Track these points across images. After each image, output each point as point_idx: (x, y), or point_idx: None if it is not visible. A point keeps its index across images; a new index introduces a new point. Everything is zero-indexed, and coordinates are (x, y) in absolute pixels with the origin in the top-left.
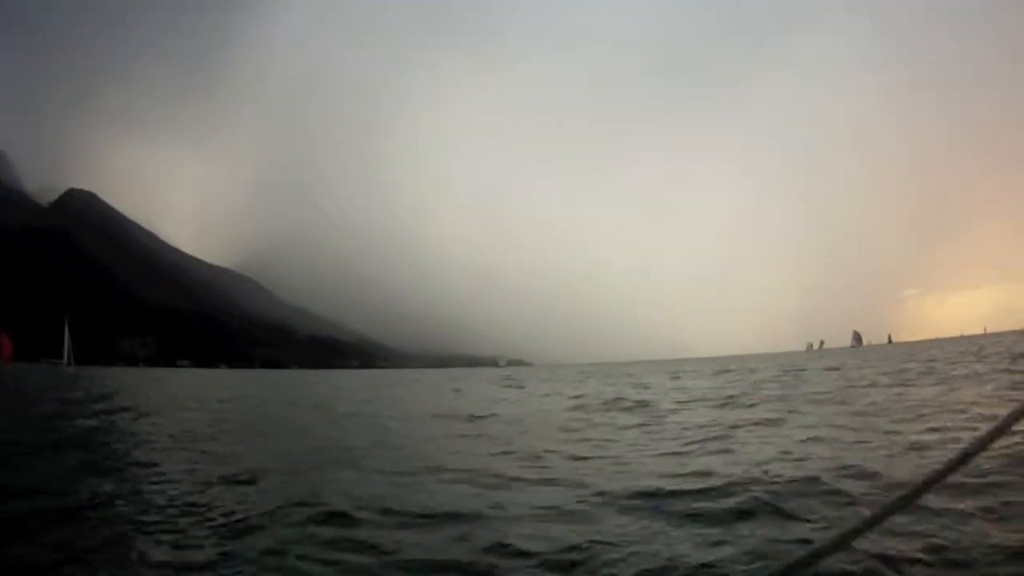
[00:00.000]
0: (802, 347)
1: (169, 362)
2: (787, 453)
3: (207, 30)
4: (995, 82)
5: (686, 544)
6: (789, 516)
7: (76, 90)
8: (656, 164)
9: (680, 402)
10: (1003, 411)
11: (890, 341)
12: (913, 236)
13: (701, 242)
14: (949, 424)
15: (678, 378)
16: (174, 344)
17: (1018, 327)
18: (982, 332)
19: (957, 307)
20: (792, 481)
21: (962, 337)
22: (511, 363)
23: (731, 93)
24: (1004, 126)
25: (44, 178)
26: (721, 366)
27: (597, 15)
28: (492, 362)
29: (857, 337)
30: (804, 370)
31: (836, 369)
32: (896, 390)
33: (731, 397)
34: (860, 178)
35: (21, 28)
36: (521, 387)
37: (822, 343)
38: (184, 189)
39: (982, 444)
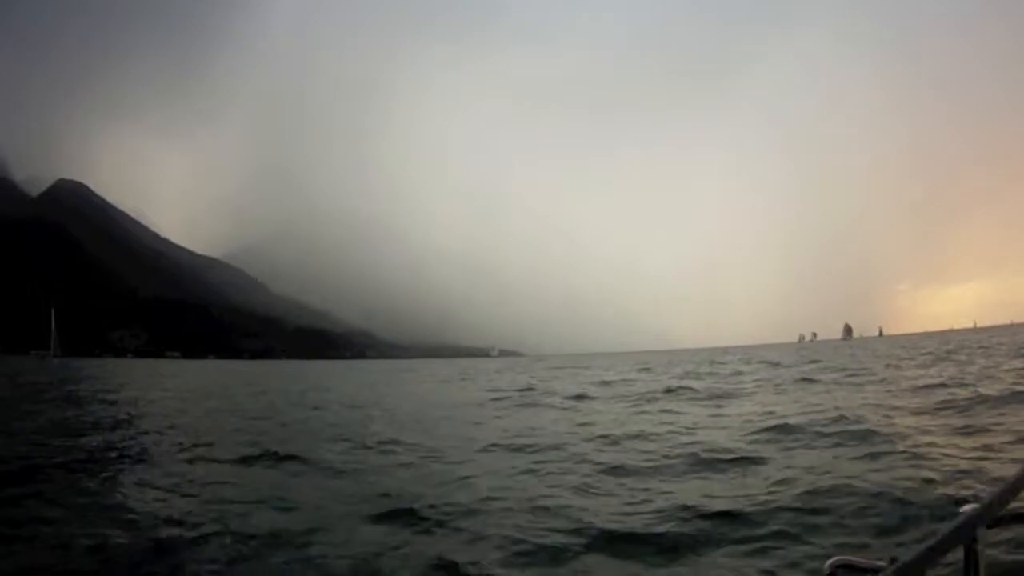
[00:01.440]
0: (795, 339)
1: (158, 353)
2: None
3: (198, 18)
4: (991, 79)
5: None
6: None
7: (67, 80)
8: (650, 156)
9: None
10: None
11: (881, 334)
12: (907, 231)
13: (695, 234)
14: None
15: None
16: (164, 335)
17: (1006, 321)
18: (972, 326)
19: (948, 301)
20: None
21: (951, 331)
22: (503, 353)
23: (726, 85)
24: (998, 122)
25: (34, 168)
26: (672, 359)
27: (592, 5)
28: (484, 353)
29: (847, 329)
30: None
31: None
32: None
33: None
34: (855, 172)
35: (10, 18)
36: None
37: (814, 335)
38: (174, 179)
39: None
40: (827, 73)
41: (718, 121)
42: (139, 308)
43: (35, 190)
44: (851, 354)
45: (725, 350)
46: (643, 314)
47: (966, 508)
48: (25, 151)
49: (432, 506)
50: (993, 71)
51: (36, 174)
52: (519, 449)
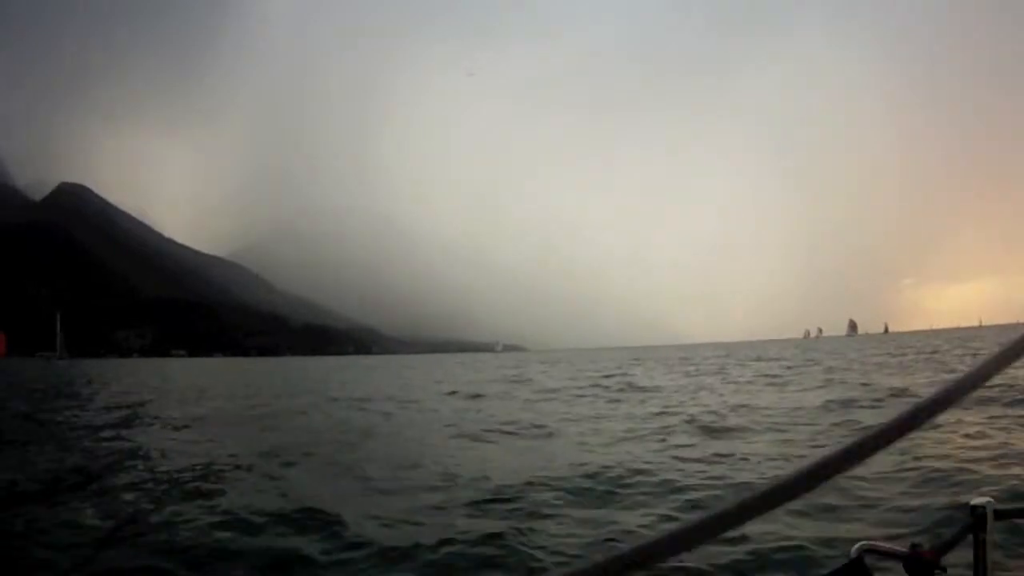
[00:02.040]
0: (801, 334)
1: (164, 352)
2: None
3: (199, 18)
4: (996, 77)
5: None
6: None
7: (68, 84)
8: (657, 153)
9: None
10: None
11: (886, 330)
12: (912, 229)
13: (701, 232)
14: None
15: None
16: (169, 334)
17: (1011, 320)
18: (977, 324)
19: (954, 298)
20: None
21: (957, 328)
22: (507, 348)
23: (732, 83)
24: (1003, 122)
25: (35, 173)
26: (671, 355)
27: (594, 5)
28: (488, 348)
29: (852, 326)
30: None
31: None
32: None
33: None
34: (861, 169)
35: (12, 23)
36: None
37: (820, 331)
38: (177, 179)
39: (966, 387)
40: (832, 72)
41: (722, 120)
42: (144, 308)
43: (38, 194)
44: (831, 352)
45: (726, 346)
46: (648, 310)
47: (978, 500)
48: (26, 155)
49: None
50: (999, 70)
51: (38, 178)
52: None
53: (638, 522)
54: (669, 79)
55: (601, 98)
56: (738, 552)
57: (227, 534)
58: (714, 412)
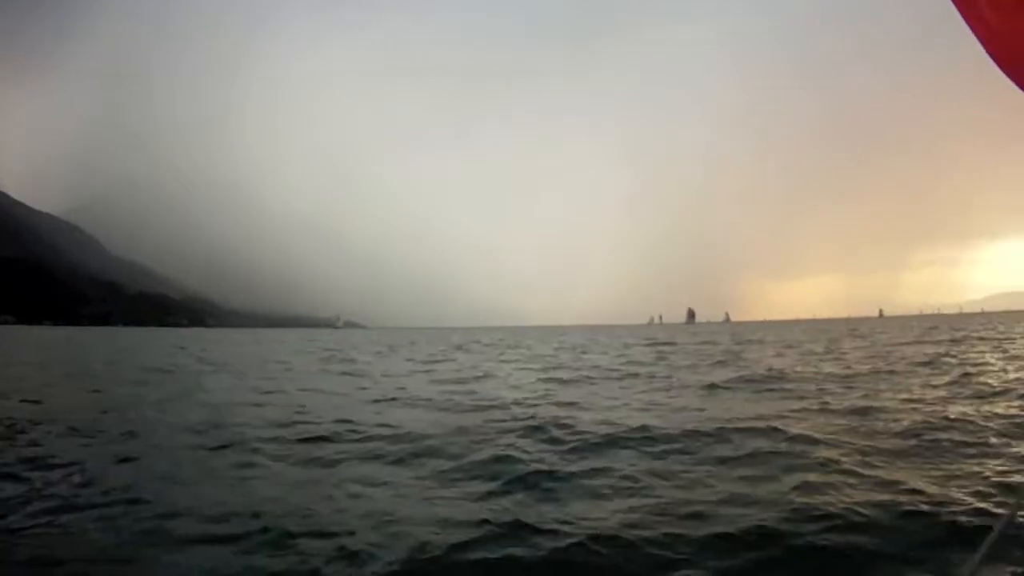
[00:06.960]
0: (646, 321)
1: None
2: None
3: None
4: (846, 84)
5: None
6: None
7: None
8: (508, 137)
9: None
10: None
11: (727, 319)
12: (759, 223)
13: (552, 219)
14: None
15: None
16: None
17: (845, 315)
18: (811, 317)
19: (795, 292)
20: None
21: (793, 320)
22: (348, 325)
23: (591, 76)
24: (847, 129)
25: None
26: (507, 336)
27: None
28: (329, 323)
29: (691, 314)
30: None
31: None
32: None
33: None
34: (709, 166)
35: None
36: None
37: (660, 318)
38: (13, 127)
39: None
40: (688, 70)
41: (579, 112)
42: None
43: None
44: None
45: (564, 330)
46: (494, 293)
47: None
48: None
49: None
50: (844, 77)
51: None
52: None
53: None
54: (532, 67)
55: (465, 80)
56: None
57: None
58: None
